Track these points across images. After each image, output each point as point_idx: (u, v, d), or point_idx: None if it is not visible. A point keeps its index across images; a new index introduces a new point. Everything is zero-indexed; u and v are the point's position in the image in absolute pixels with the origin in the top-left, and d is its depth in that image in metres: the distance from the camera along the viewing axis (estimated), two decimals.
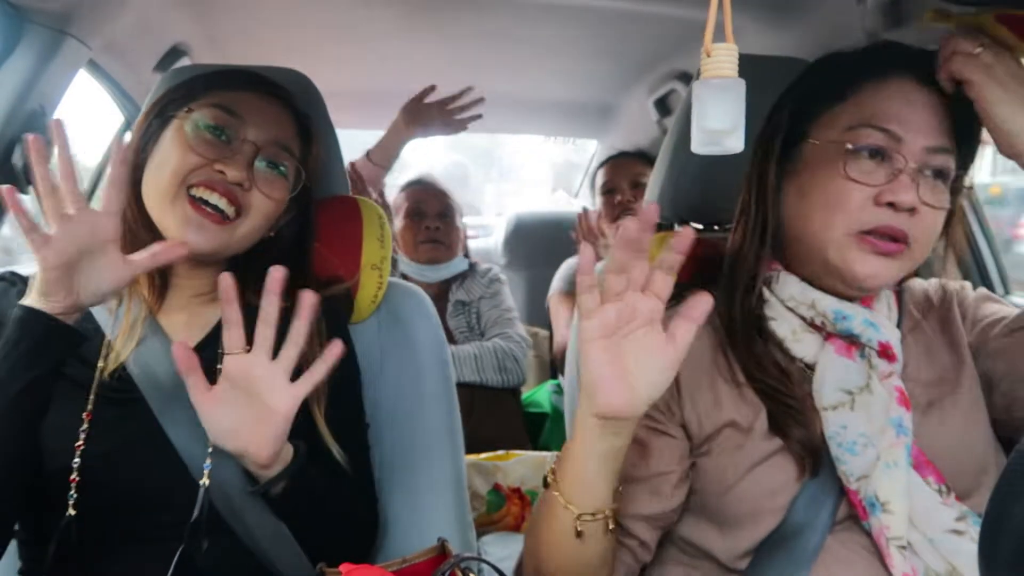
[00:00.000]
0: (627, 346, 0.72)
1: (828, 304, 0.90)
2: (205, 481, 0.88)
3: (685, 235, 0.71)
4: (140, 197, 0.95)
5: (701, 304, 0.73)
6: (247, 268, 0.99)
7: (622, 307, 0.72)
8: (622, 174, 2.31)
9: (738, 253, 0.97)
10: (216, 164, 0.92)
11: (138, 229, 0.95)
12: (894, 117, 0.87)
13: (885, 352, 0.89)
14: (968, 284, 1.04)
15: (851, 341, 0.91)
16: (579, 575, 0.83)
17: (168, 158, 0.93)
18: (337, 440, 0.97)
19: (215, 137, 0.94)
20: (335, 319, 1.05)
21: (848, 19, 1.35)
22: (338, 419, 0.98)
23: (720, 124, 0.58)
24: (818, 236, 0.89)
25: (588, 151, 3.28)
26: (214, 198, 0.91)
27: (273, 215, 1.00)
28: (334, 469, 0.96)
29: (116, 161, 0.85)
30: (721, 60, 0.58)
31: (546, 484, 0.81)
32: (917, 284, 1.05)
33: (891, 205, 0.85)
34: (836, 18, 1.39)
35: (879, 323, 0.90)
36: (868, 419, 0.86)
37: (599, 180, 2.39)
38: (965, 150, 0.90)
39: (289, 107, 1.03)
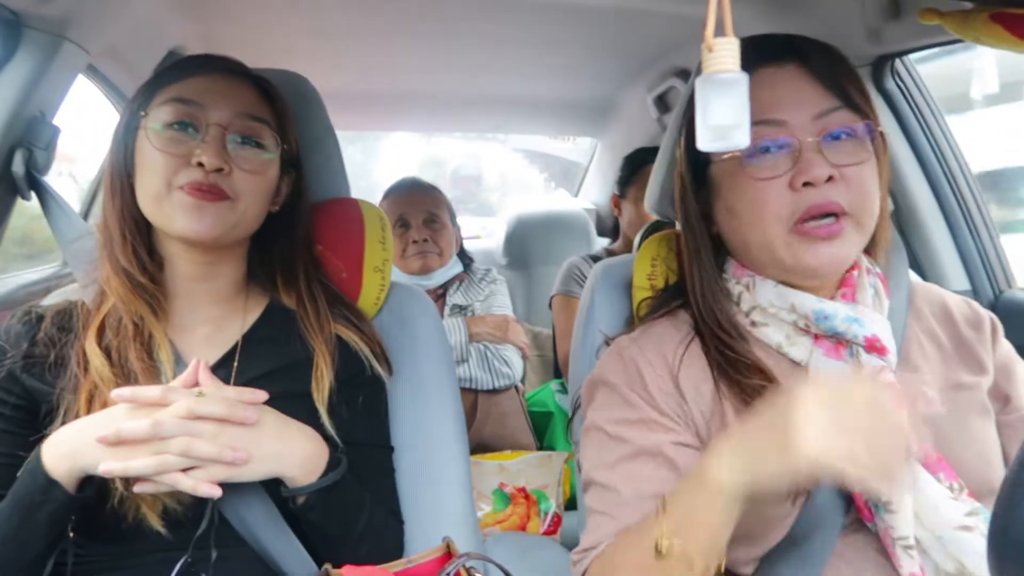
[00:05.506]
0: None
1: (808, 305, 0.88)
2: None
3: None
4: (135, 201, 0.95)
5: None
6: (264, 256, 1.03)
7: None
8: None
9: (690, 266, 0.97)
10: (192, 158, 0.91)
11: (137, 231, 0.96)
12: (769, 103, 0.86)
13: (872, 346, 0.87)
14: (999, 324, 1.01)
15: (838, 340, 0.89)
16: None
17: (149, 164, 0.93)
18: (364, 463, 0.99)
19: (180, 132, 0.93)
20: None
21: (848, 11, 1.35)
22: (365, 443, 0.99)
23: (726, 120, 0.57)
24: (761, 243, 0.89)
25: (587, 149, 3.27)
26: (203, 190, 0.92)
27: (265, 191, 0.99)
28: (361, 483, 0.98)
29: None
30: (723, 54, 0.58)
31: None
32: (935, 289, 1.05)
33: (808, 185, 0.84)
34: (836, 11, 1.39)
35: (862, 317, 0.88)
36: None
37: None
38: (856, 102, 0.88)
39: (245, 76, 1.01)
